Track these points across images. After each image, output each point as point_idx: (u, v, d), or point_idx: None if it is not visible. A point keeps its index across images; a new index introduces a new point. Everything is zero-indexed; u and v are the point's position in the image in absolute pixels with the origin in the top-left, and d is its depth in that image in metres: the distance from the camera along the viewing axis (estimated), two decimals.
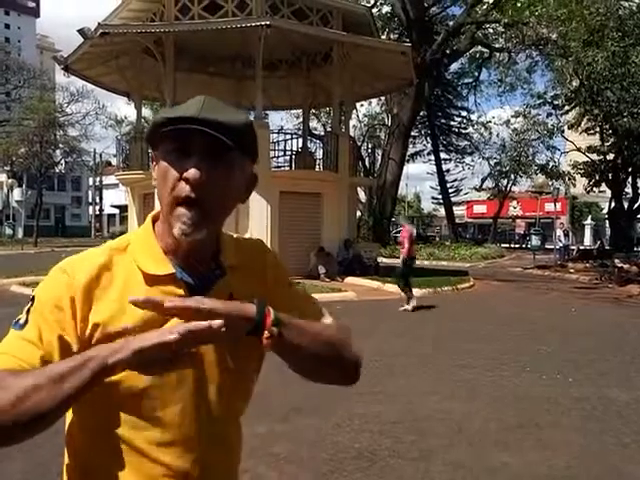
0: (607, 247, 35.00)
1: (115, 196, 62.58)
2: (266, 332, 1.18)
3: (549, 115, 31.97)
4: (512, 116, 36.49)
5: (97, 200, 63.45)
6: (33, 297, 1.25)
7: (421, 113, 41.79)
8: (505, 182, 47.62)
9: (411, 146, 45.37)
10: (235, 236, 1.43)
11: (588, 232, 56.99)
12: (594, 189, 34.43)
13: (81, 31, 18.35)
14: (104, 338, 1.20)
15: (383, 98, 39.60)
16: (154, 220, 1.34)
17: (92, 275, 1.24)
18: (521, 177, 40.83)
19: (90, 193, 68.98)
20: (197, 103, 1.20)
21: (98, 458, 1.28)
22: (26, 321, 1.22)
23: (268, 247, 1.51)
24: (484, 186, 51.38)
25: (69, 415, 1.35)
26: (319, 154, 23.09)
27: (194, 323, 1.08)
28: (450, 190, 53.66)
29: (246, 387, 1.40)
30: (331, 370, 1.40)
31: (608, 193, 36.89)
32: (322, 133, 35.19)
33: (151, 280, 1.26)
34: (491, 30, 36.20)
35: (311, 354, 1.29)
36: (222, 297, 1.28)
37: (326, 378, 1.44)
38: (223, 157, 1.21)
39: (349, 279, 18.59)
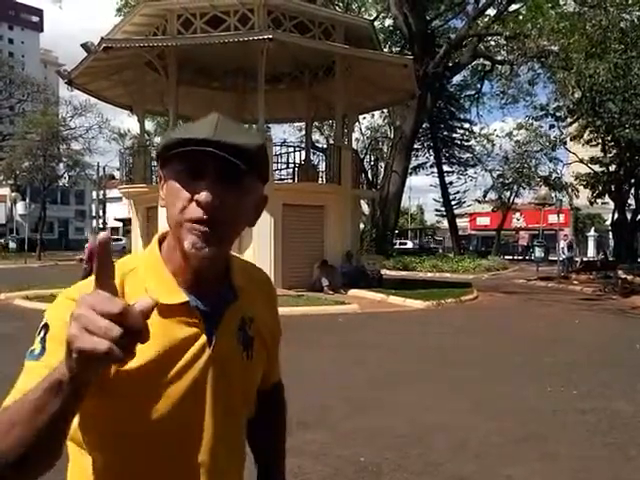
0: (610, 258, 34.94)
1: (118, 209, 62.60)
2: None
3: (551, 127, 32.00)
4: (514, 128, 36.54)
5: (100, 213, 63.49)
6: (45, 325, 1.16)
7: (423, 125, 41.90)
8: (508, 194, 47.59)
9: (414, 158, 45.53)
10: (240, 259, 1.41)
11: (591, 244, 56.98)
12: (597, 200, 34.41)
13: (84, 45, 18.45)
14: (122, 373, 1.16)
15: (385, 111, 39.74)
16: (160, 241, 1.31)
17: None
18: (524, 189, 40.77)
19: (93, 206, 68.93)
20: (210, 123, 1.17)
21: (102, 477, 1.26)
22: (43, 349, 1.13)
23: (261, 269, 1.52)
24: (487, 198, 51.40)
25: (73, 436, 1.33)
26: (322, 167, 23.14)
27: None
28: (453, 202, 53.66)
29: (251, 408, 1.41)
30: None
31: (611, 205, 36.88)
32: (325, 146, 35.31)
33: (164, 309, 1.21)
34: (493, 42, 36.35)
35: None
36: (234, 321, 1.30)
37: None
38: (236, 180, 1.18)
39: (352, 291, 18.57)
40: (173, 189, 1.20)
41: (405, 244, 58.48)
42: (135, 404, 1.19)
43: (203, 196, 1.15)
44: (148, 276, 1.26)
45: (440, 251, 56.61)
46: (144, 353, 1.18)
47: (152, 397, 1.20)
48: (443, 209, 55.37)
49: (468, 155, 50.95)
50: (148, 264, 1.28)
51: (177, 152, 1.16)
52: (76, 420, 1.24)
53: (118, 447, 1.23)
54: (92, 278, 1.24)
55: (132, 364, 1.12)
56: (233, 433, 1.33)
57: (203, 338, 1.24)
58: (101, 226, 63.29)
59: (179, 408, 1.21)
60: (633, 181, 32.95)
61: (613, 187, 32.88)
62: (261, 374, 1.41)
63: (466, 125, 50.10)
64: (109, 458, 1.25)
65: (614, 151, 30.75)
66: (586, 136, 31.14)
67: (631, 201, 35.60)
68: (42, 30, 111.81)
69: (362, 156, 35.93)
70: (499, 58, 35.39)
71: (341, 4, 34.85)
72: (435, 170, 50.49)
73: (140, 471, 1.24)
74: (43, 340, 1.14)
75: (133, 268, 1.28)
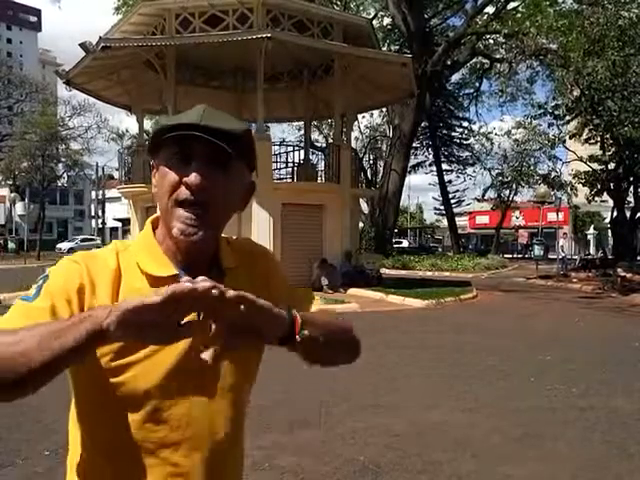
0: (610, 256, 34.90)
1: (118, 209, 62.56)
2: (298, 337, 1.16)
3: (550, 125, 31.95)
4: (513, 127, 36.54)
5: (100, 213, 63.44)
6: (46, 276, 1.24)
7: (422, 124, 41.91)
8: (507, 192, 47.61)
9: (413, 157, 45.54)
10: (226, 237, 1.43)
11: (591, 242, 56.96)
12: (596, 199, 34.36)
13: (83, 45, 18.42)
14: (112, 346, 1.19)
15: (384, 109, 39.70)
16: (154, 226, 1.36)
17: (102, 272, 1.26)
18: (523, 187, 40.75)
19: (93, 207, 68.93)
20: (198, 111, 1.22)
21: (105, 456, 1.29)
22: (37, 294, 1.20)
23: (255, 243, 1.53)
24: (486, 196, 51.38)
25: (72, 420, 1.36)
26: (321, 166, 23.12)
27: (176, 285, 0.96)
28: (452, 201, 53.64)
29: (250, 383, 1.43)
30: (341, 353, 1.43)
31: (610, 202, 36.83)
32: (324, 145, 35.32)
33: (154, 281, 1.27)
34: (491, 41, 36.40)
35: (325, 343, 1.26)
36: None
37: (335, 361, 1.44)
38: (222, 163, 1.23)
39: (352, 290, 18.57)
40: (164, 174, 1.25)
41: (400, 243, 58.34)
42: (125, 372, 1.22)
43: (192, 178, 1.20)
44: (140, 252, 1.32)
45: (439, 250, 56.60)
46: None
47: (140, 365, 1.23)
48: (442, 208, 55.37)
49: (467, 154, 51.06)
50: (141, 243, 1.34)
51: (166, 138, 1.21)
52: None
53: (112, 422, 1.26)
54: (95, 250, 1.34)
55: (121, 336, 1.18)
56: (225, 407, 1.34)
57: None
58: (100, 226, 63.35)
59: (167, 377, 1.24)
60: (632, 179, 32.90)
61: (612, 185, 32.83)
62: (255, 353, 1.42)
63: (465, 123, 50.21)
64: (104, 434, 1.28)
65: (613, 149, 30.70)
66: (585, 134, 31.09)
67: (630, 199, 35.57)
68: (40, 30, 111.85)
69: (361, 155, 35.92)
70: (498, 56, 35.43)
71: (339, 3, 34.83)
72: (434, 169, 50.49)
73: (131, 448, 1.26)
74: (39, 287, 1.21)
75: (128, 246, 1.35)
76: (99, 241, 59.18)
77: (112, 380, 1.22)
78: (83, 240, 58.84)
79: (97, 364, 1.22)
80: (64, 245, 55.48)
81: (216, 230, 1.30)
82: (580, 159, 33.32)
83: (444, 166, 50.45)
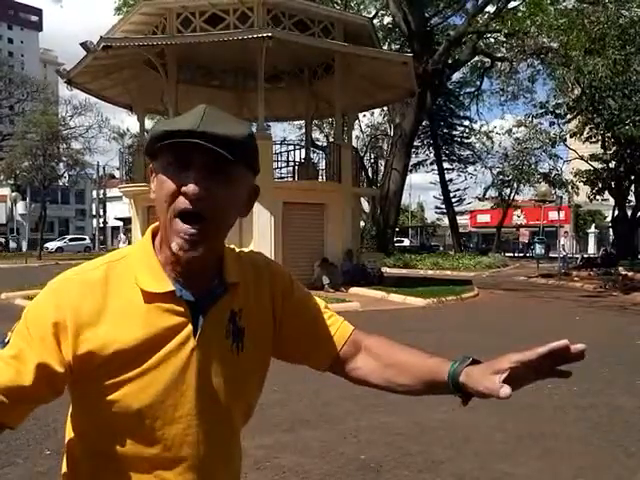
0: (613, 254, 34.92)
1: (119, 209, 62.65)
2: None
3: (551, 124, 31.92)
4: (514, 125, 36.51)
5: (101, 213, 63.54)
6: (22, 315, 1.23)
7: (423, 123, 41.91)
8: (508, 191, 47.61)
9: (414, 156, 45.53)
10: (237, 250, 1.41)
11: (592, 240, 56.96)
12: (597, 197, 34.36)
13: (84, 44, 18.41)
14: (102, 360, 1.19)
15: (385, 108, 39.71)
16: (154, 233, 1.31)
17: (86, 293, 1.21)
18: (524, 186, 40.76)
19: (94, 206, 69.06)
20: (197, 114, 1.16)
21: (98, 473, 1.28)
22: (8, 341, 1.19)
23: (270, 259, 1.49)
24: (487, 195, 51.38)
25: (69, 428, 1.35)
26: (322, 165, 23.08)
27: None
28: (453, 199, 53.68)
29: (248, 403, 1.40)
30: None
31: (611, 201, 36.84)
32: (325, 144, 35.25)
33: (150, 297, 1.23)
34: (492, 40, 36.38)
35: None
36: (222, 314, 1.29)
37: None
38: (223, 171, 1.18)
39: (353, 289, 18.57)
40: (162, 183, 1.20)
41: (402, 242, 58.39)
42: (118, 390, 1.21)
43: (190, 187, 1.15)
44: (137, 264, 1.27)
45: (441, 249, 56.62)
46: (128, 339, 1.20)
47: (134, 384, 1.21)
48: (443, 206, 55.39)
49: (468, 152, 51.14)
50: (140, 253, 1.30)
51: (164, 144, 1.16)
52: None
53: (104, 437, 1.25)
54: (82, 266, 1.29)
55: (116, 348, 1.19)
56: (221, 426, 1.33)
57: (189, 328, 1.24)
58: (101, 225, 63.41)
59: (161, 395, 1.23)
60: (633, 178, 32.90)
61: (613, 184, 32.83)
62: (263, 364, 1.41)
63: (466, 122, 50.30)
64: (96, 445, 1.28)
65: (614, 148, 30.68)
66: (586, 133, 31.05)
67: (631, 197, 35.59)
68: (41, 29, 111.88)
69: (362, 154, 35.94)
70: (499, 55, 35.41)
71: (340, 2, 34.83)
72: (435, 167, 50.56)
73: (123, 463, 1.25)
74: (13, 331, 1.22)
75: (124, 256, 1.30)
76: (88, 240, 59.36)
77: (106, 397, 1.21)
78: (72, 240, 58.92)
79: (91, 381, 1.21)
80: (52, 244, 55.37)
81: (218, 241, 1.27)
82: (581, 158, 33.33)
83: (445, 165, 50.53)
